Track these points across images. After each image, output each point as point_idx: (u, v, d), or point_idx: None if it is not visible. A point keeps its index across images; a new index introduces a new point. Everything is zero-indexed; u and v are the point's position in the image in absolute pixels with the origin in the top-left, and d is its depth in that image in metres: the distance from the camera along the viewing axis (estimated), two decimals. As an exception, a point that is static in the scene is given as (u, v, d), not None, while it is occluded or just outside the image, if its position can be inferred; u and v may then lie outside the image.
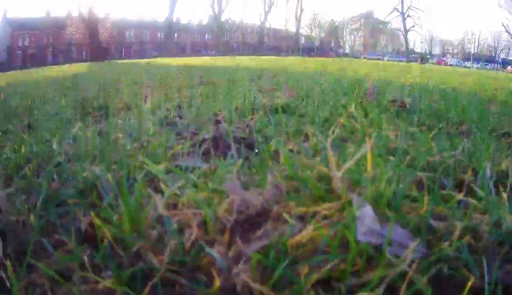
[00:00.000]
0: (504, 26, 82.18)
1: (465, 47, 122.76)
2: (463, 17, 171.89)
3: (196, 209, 1.35)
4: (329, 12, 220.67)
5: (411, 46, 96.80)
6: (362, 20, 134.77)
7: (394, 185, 1.40)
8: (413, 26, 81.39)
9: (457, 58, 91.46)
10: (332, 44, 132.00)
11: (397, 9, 72.50)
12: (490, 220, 1.31)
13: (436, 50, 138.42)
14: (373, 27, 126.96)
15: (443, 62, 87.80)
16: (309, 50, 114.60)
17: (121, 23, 63.96)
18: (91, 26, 46.85)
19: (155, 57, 62.04)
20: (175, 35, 62.63)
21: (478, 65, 76.78)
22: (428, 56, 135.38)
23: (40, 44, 59.21)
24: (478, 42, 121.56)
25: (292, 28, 77.72)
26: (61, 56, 61.97)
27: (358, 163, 1.55)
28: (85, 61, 54.18)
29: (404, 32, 73.94)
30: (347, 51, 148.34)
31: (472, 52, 79.91)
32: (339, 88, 5.02)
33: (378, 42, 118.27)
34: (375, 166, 1.52)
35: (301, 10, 73.23)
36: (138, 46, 75.91)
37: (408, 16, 71.82)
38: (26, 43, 58.42)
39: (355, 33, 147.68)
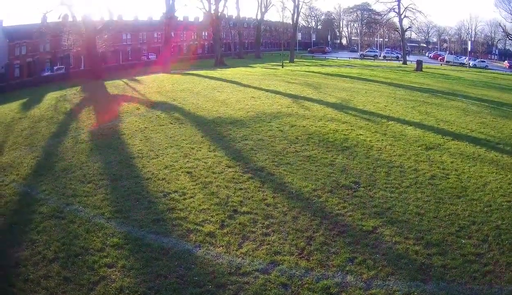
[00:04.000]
0: (502, 27, 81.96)
1: (462, 36, 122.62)
2: (460, 2, 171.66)
3: None
4: (325, 3, 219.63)
5: (407, 35, 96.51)
6: (358, 11, 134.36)
7: None
8: (409, 27, 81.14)
9: (454, 54, 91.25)
10: (329, 37, 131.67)
11: (394, 10, 72.17)
12: None
13: (433, 39, 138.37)
14: (369, 19, 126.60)
15: (440, 57, 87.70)
16: (306, 45, 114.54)
17: (117, 26, 63.59)
18: (88, 38, 46.69)
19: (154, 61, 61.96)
20: (172, 34, 62.13)
21: (475, 63, 76.69)
22: (423, 45, 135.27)
23: (37, 53, 58.91)
24: (475, 32, 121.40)
25: (289, 20, 77.30)
26: (58, 64, 61.77)
27: None
28: (83, 71, 54.16)
29: (400, 33, 73.67)
30: (344, 43, 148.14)
31: (469, 48, 79.58)
32: None
33: (374, 36, 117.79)
34: None
35: (298, 14, 72.80)
36: (135, 51, 75.57)
37: (405, 16, 71.49)
38: (23, 52, 58.11)
39: (352, 24, 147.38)
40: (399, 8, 71.37)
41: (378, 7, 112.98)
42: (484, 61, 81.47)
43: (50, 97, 26.75)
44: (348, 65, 61.41)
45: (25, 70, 56.69)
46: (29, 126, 18.16)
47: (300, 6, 74.87)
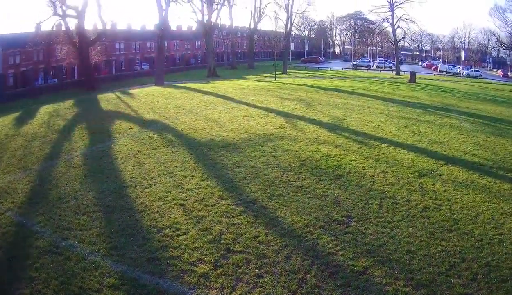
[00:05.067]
0: (496, 36, 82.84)
1: (455, 44, 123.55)
2: (453, 11, 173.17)
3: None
4: (319, 12, 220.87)
5: (401, 44, 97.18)
6: (352, 20, 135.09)
7: None
8: (403, 37, 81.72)
9: (447, 63, 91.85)
10: (322, 46, 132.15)
11: (387, 20, 72.70)
12: None
13: (427, 47, 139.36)
14: (362, 28, 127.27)
15: (434, 67, 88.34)
16: (299, 54, 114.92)
17: (110, 36, 63.68)
18: (81, 49, 46.75)
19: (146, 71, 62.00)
20: (165, 44, 62.16)
21: (469, 72, 77.28)
22: (417, 53, 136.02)
23: (31, 62, 58.80)
24: (469, 40, 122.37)
25: (283, 30, 77.65)
26: (52, 73, 61.70)
27: None
28: (77, 82, 54.09)
29: (394, 43, 74.17)
30: (337, 52, 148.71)
31: (463, 57, 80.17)
32: None
33: (368, 45, 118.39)
34: None
35: (291, 24, 73.09)
36: (128, 60, 75.55)
37: (399, 26, 72.04)
38: (17, 61, 57.92)
39: (345, 33, 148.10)
40: (392, 18, 71.95)
41: (371, 17, 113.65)
42: (478, 71, 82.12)
43: (44, 112, 26.75)
44: (341, 77, 61.64)
45: (19, 80, 56.53)
46: (23, 145, 18.14)
47: (293, 16, 75.26)
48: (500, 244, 9.47)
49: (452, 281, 7.99)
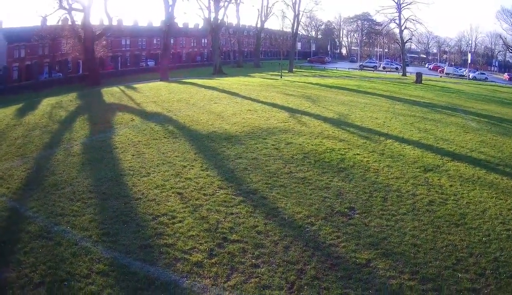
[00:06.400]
0: (503, 39, 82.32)
1: (462, 48, 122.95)
2: (460, 13, 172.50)
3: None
4: (326, 13, 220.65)
5: (407, 46, 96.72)
6: (359, 21, 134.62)
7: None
8: (410, 39, 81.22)
9: (454, 66, 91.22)
10: (329, 47, 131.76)
11: (394, 21, 72.23)
12: None
13: (433, 50, 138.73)
14: (369, 29, 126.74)
15: (440, 69, 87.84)
16: (306, 54, 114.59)
17: (116, 31, 63.49)
18: (86, 44, 46.51)
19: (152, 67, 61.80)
20: (172, 41, 61.85)
21: (475, 75, 76.78)
22: (423, 55, 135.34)
23: (36, 56, 58.70)
24: (475, 43, 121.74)
25: (290, 29, 77.41)
26: (57, 67, 61.57)
27: None
28: (81, 76, 53.92)
29: (400, 44, 73.68)
30: (343, 53, 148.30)
31: (469, 60, 79.57)
32: None
33: (374, 46, 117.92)
34: None
35: (297, 23, 72.76)
36: (134, 56, 75.39)
37: (406, 28, 71.58)
38: (22, 55, 57.84)
39: (352, 34, 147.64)
40: (399, 19, 71.50)
41: (378, 18, 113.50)
42: (484, 73, 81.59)
43: (46, 103, 26.51)
44: (347, 77, 61.23)
45: (23, 73, 56.43)
46: (23, 134, 17.85)
47: (300, 16, 74.90)
48: (508, 239, 9.11)
49: (460, 275, 7.61)
